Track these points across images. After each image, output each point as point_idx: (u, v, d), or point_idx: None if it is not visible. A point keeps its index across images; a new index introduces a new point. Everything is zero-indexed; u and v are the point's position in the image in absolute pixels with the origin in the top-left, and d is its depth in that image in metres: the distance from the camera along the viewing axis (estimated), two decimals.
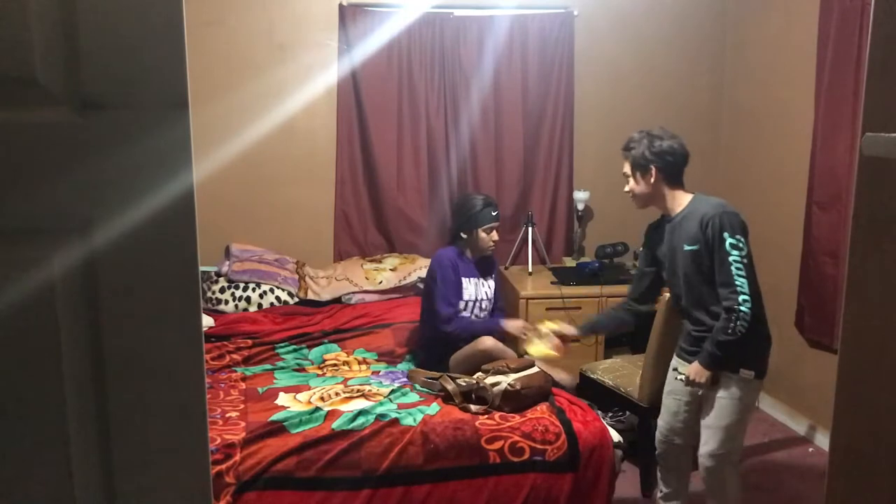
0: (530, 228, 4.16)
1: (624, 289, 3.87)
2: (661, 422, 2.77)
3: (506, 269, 4.22)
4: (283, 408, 2.74)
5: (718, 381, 2.52)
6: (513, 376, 2.77)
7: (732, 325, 2.39)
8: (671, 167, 2.61)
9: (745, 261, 2.40)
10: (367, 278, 3.95)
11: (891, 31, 0.88)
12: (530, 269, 4.10)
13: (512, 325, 3.28)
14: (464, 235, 3.40)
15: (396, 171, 4.20)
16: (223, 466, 2.41)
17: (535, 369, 2.89)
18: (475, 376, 2.84)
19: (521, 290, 3.82)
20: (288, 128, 4.09)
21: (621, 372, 3.41)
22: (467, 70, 4.17)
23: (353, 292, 3.91)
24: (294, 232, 4.24)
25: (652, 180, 2.60)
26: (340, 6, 4.05)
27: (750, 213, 4.14)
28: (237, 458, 2.44)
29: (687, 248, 2.51)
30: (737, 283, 2.38)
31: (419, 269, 4.01)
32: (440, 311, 3.23)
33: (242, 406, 2.79)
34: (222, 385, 3.00)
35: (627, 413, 3.42)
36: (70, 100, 0.75)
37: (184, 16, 0.77)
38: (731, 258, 2.40)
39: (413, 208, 4.25)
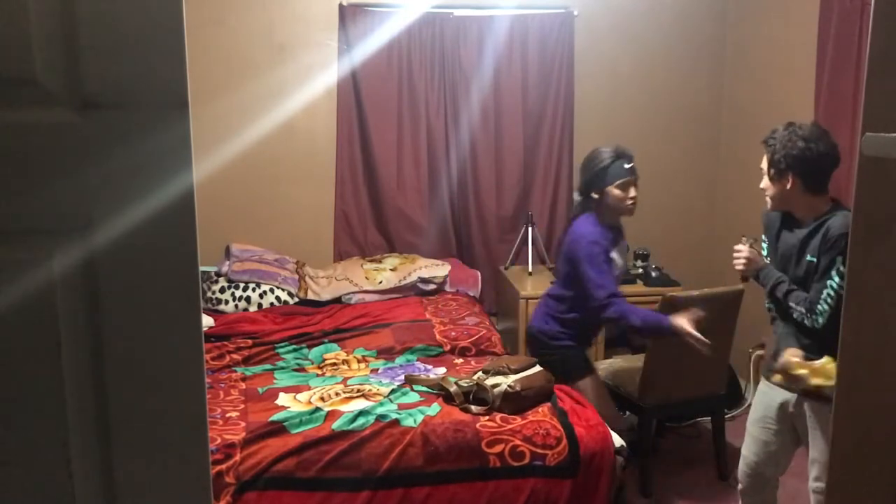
0: (530, 228, 4.16)
1: (624, 289, 3.88)
2: (748, 452, 2.58)
3: (506, 269, 4.22)
4: (284, 408, 2.74)
5: (821, 412, 2.33)
6: (513, 377, 2.76)
7: (808, 314, 2.27)
8: (813, 175, 2.30)
9: (839, 289, 2.21)
10: (367, 278, 3.95)
11: (891, 31, 0.88)
12: (530, 269, 4.10)
13: (682, 323, 2.74)
14: (595, 195, 2.96)
15: (396, 171, 4.20)
16: (223, 466, 2.41)
17: (536, 369, 2.88)
18: (475, 377, 2.83)
19: (521, 290, 3.82)
20: (288, 128, 4.08)
21: (621, 372, 3.41)
22: (467, 70, 4.17)
23: (353, 292, 3.91)
24: (294, 232, 4.24)
25: (788, 185, 2.31)
26: (340, 6, 4.05)
27: (750, 212, 4.15)
28: (237, 458, 2.44)
29: (809, 258, 2.32)
30: (819, 307, 2.25)
31: (419, 268, 4.01)
32: (595, 296, 2.86)
33: (242, 406, 2.79)
34: (222, 385, 3.00)
35: (627, 413, 3.42)
36: (70, 100, 0.75)
37: (184, 16, 0.77)
38: (829, 283, 2.24)
39: (413, 208, 4.25)
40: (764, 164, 2.37)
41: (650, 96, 4.39)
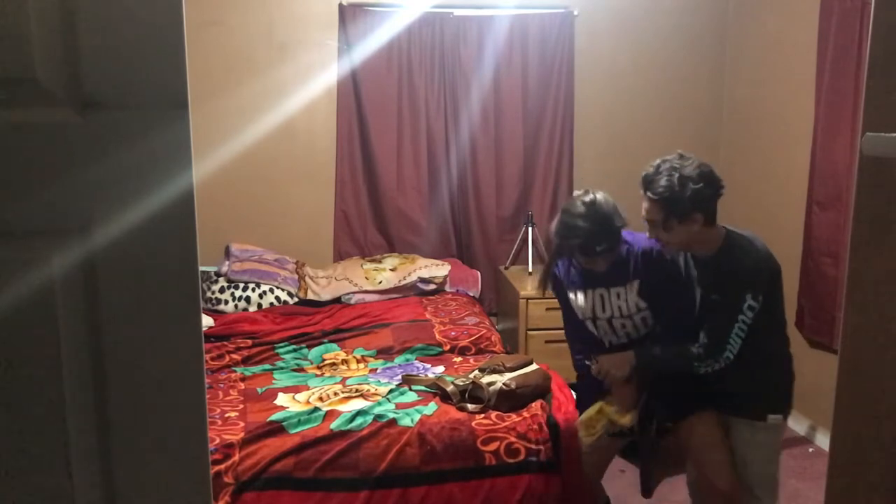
0: (530, 228, 4.16)
1: None
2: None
3: (506, 269, 4.22)
4: (282, 408, 2.74)
5: (730, 434, 2.34)
6: (508, 375, 2.77)
7: (710, 362, 2.24)
8: (713, 208, 2.24)
9: (751, 322, 2.19)
10: (366, 278, 3.95)
11: (891, 31, 0.88)
12: (530, 269, 4.10)
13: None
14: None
15: (396, 171, 4.21)
16: (222, 466, 2.41)
17: (532, 367, 2.89)
18: (471, 375, 2.84)
19: (521, 290, 3.82)
20: (288, 128, 4.09)
21: None
22: (467, 70, 4.17)
23: (353, 292, 3.91)
24: (294, 232, 4.24)
25: (695, 227, 2.22)
26: (340, 6, 4.05)
27: (750, 213, 4.16)
28: (236, 458, 2.44)
29: (714, 297, 2.27)
30: (730, 342, 2.22)
31: (419, 268, 4.01)
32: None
33: (241, 406, 2.79)
34: (221, 385, 2.99)
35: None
36: (70, 100, 0.75)
37: (184, 16, 0.77)
38: (740, 318, 2.20)
39: (413, 208, 4.25)
40: (652, 215, 2.23)
41: (650, 96, 4.39)
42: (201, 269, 0.82)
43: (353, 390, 2.88)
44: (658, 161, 2.27)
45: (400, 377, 3.02)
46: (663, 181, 2.19)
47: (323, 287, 3.94)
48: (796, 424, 3.78)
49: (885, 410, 0.93)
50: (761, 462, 2.35)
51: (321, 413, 2.65)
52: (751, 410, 2.33)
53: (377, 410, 2.67)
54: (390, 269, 4.01)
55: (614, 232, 2.35)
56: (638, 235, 2.46)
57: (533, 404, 2.71)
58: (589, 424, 2.50)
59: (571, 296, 2.52)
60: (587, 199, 2.37)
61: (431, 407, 2.70)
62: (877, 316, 0.93)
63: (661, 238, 2.28)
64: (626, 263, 2.42)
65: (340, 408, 2.71)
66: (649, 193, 2.23)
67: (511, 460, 2.54)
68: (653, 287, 2.43)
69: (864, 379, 0.96)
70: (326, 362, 3.27)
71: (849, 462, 1.00)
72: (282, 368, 3.20)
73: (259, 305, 3.81)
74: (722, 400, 2.38)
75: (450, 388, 2.77)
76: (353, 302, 3.89)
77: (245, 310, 3.78)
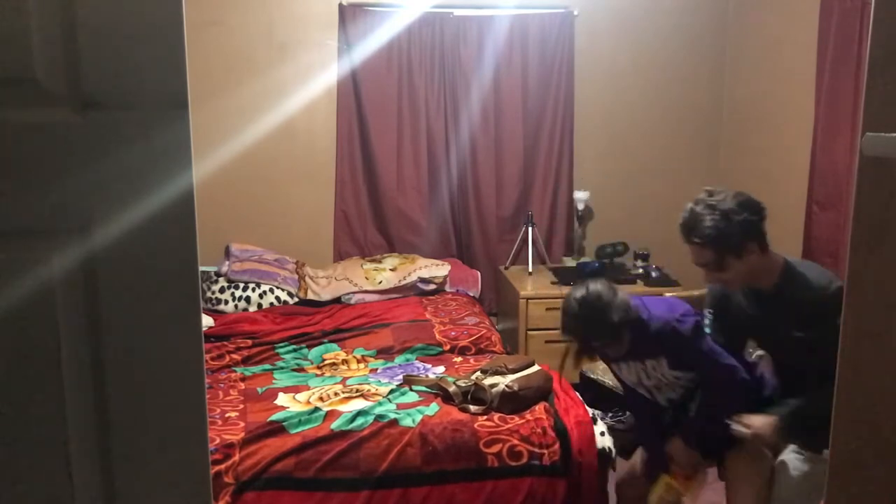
0: (530, 228, 4.16)
1: (624, 288, 3.88)
2: None
3: (506, 269, 4.22)
4: (283, 408, 2.74)
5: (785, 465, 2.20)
6: (511, 377, 2.76)
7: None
8: (763, 232, 2.17)
9: None
10: (366, 278, 3.95)
11: (891, 31, 0.87)
12: (530, 269, 4.10)
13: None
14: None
15: (396, 171, 4.20)
16: (222, 466, 2.41)
17: (534, 369, 2.88)
18: (473, 376, 2.84)
19: (521, 290, 3.82)
20: (288, 128, 4.09)
21: None
22: (467, 70, 4.16)
23: (353, 292, 3.91)
24: (294, 232, 4.24)
25: (753, 258, 2.14)
26: (340, 6, 4.05)
27: None
28: (236, 458, 2.44)
29: (797, 334, 2.15)
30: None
31: (419, 269, 4.01)
32: None
33: (242, 406, 2.79)
34: (221, 385, 2.99)
35: (627, 413, 3.42)
36: (70, 100, 0.75)
37: (184, 16, 0.77)
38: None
39: (413, 208, 4.25)
40: (705, 259, 2.17)
41: (650, 96, 4.39)
42: (201, 269, 0.82)
43: (354, 390, 2.88)
44: (689, 205, 2.19)
45: (400, 377, 3.02)
46: (707, 222, 2.11)
47: (323, 287, 3.94)
48: None
49: (885, 411, 0.93)
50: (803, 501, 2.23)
51: (322, 413, 2.65)
52: (815, 443, 2.21)
53: (378, 410, 2.66)
54: (390, 269, 4.01)
55: (610, 327, 2.23)
56: (654, 308, 2.31)
57: (536, 407, 2.71)
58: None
59: (614, 366, 2.47)
60: (578, 294, 2.26)
61: (433, 408, 2.70)
62: (877, 316, 0.93)
63: (720, 280, 2.19)
64: (647, 340, 2.29)
65: (341, 408, 2.71)
66: (695, 239, 2.15)
67: (513, 463, 2.54)
68: (682, 361, 2.33)
69: (864, 379, 0.96)
70: (326, 362, 3.27)
71: (849, 463, 1.00)
72: (282, 368, 3.20)
73: (259, 305, 3.81)
74: (793, 434, 2.25)
75: (452, 389, 2.77)
76: (353, 302, 3.89)
77: (245, 310, 3.78)
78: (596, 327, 2.25)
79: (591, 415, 2.74)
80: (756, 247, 2.14)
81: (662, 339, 2.27)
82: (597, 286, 2.27)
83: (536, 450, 2.56)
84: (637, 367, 2.39)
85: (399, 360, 3.29)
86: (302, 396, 2.84)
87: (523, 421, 2.64)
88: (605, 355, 2.45)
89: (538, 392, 2.78)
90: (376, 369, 3.17)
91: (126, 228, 0.78)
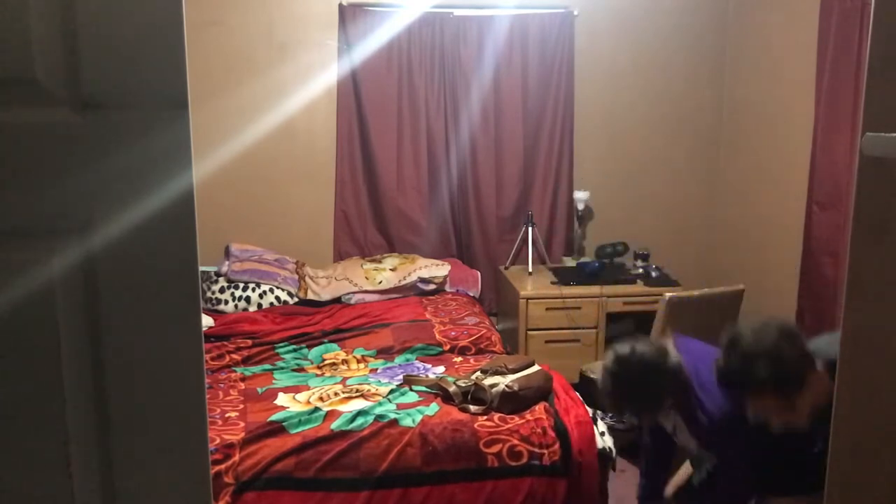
0: (530, 228, 4.16)
1: (624, 289, 3.91)
2: None
3: (506, 269, 4.22)
4: (283, 408, 2.74)
5: None
6: (511, 377, 2.76)
7: None
8: (815, 350, 1.97)
9: None
10: (366, 278, 3.95)
11: (891, 31, 0.87)
12: (530, 269, 4.10)
13: None
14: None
15: (396, 171, 4.21)
16: (222, 466, 2.41)
17: (534, 369, 2.88)
18: (474, 376, 2.84)
19: (521, 290, 3.82)
20: (288, 128, 4.09)
21: None
22: (467, 70, 4.17)
23: (353, 292, 3.91)
24: (294, 232, 4.24)
25: (826, 378, 1.91)
26: (340, 6, 4.05)
27: (750, 213, 4.16)
28: (236, 458, 2.44)
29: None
30: None
31: (419, 269, 4.01)
32: None
33: (242, 406, 2.79)
34: (221, 385, 2.99)
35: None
36: (70, 100, 0.75)
37: (184, 16, 0.77)
38: None
39: (413, 208, 4.25)
40: (771, 404, 1.95)
41: (650, 96, 4.39)
42: (201, 269, 0.82)
43: (354, 390, 2.88)
44: (722, 357, 1.99)
45: (400, 377, 3.02)
46: (760, 369, 1.89)
47: (323, 287, 3.94)
48: None
49: (885, 410, 0.93)
50: None
51: (322, 413, 2.65)
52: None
53: (378, 411, 2.66)
54: (390, 269, 4.01)
55: (641, 397, 2.16)
56: (708, 388, 2.10)
57: (537, 407, 2.71)
58: None
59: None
60: (616, 354, 2.15)
61: (433, 408, 2.70)
62: (877, 316, 0.93)
63: (796, 421, 1.96)
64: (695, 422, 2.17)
65: (341, 408, 2.71)
66: (752, 388, 1.95)
67: (513, 463, 2.54)
68: (705, 445, 2.25)
69: (864, 379, 0.96)
70: (326, 362, 3.27)
71: (849, 462, 1.00)
72: (282, 368, 3.20)
73: (259, 305, 3.81)
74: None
75: (452, 389, 2.77)
76: (353, 302, 3.89)
77: (245, 310, 3.78)
78: (626, 397, 2.22)
79: (591, 415, 2.75)
80: (821, 362, 1.93)
81: (721, 435, 2.17)
82: (639, 346, 2.16)
83: (536, 450, 2.56)
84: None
85: (399, 360, 3.29)
86: (302, 396, 2.84)
87: (523, 421, 2.64)
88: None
89: (538, 392, 2.78)
90: (376, 369, 3.17)
91: (126, 228, 0.78)
